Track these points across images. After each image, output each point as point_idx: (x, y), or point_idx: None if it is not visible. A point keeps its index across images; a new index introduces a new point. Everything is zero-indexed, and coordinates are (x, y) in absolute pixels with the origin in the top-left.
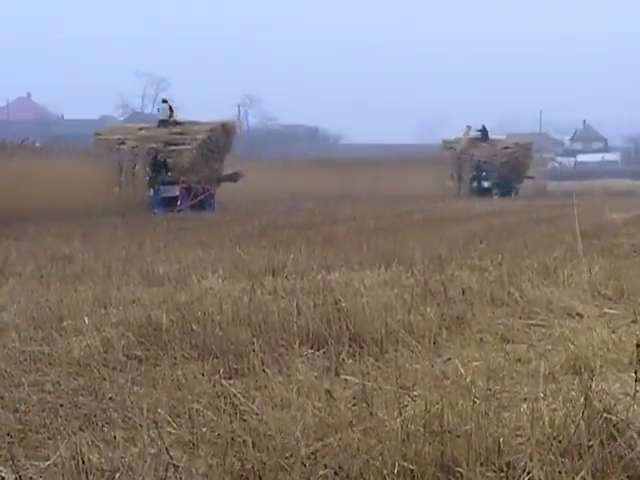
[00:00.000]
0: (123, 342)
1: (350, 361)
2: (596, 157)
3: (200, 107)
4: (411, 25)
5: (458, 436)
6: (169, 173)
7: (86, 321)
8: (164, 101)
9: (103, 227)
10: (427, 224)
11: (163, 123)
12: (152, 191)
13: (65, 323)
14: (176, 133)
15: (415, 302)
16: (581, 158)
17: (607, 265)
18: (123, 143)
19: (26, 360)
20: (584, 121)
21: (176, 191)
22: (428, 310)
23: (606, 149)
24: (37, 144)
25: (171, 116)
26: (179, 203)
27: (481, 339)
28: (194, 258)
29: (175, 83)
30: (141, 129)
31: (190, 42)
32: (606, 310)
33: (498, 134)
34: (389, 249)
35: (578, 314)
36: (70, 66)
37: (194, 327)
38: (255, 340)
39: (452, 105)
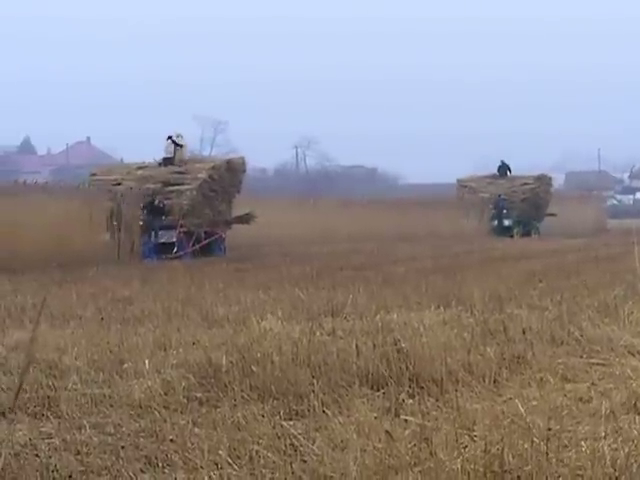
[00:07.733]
0: (183, 384)
1: (410, 401)
2: None
3: (258, 149)
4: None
5: (518, 476)
6: (164, 217)
7: (146, 363)
8: (169, 138)
9: (162, 270)
10: (485, 263)
11: (166, 162)
12: (146, 237)
13: (126, 365)
14: (176, 172)
15: (475, 342)
16: None
17: None
18: (119, 184)
19: (87, 402)
20: None
21: (173, 237)
22: (488, 350)
23: None
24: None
25: (175, 154)
26: (175, 250)
27: (541, 379)
28: (253, 299)
29: (233, 126)
30: (139, 168)
31: (248, 85)
32: None
33: (553, 173)
34: (448, 289)
35: (639, 352)
36: (129, 110)
37: (254, 368)
38: (315, 381)
39: (512, 137)
